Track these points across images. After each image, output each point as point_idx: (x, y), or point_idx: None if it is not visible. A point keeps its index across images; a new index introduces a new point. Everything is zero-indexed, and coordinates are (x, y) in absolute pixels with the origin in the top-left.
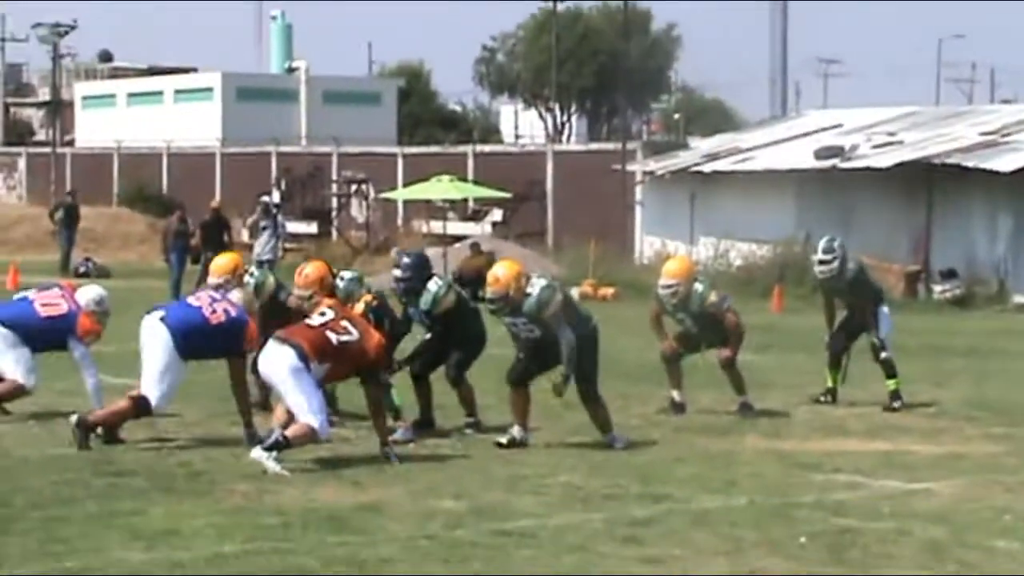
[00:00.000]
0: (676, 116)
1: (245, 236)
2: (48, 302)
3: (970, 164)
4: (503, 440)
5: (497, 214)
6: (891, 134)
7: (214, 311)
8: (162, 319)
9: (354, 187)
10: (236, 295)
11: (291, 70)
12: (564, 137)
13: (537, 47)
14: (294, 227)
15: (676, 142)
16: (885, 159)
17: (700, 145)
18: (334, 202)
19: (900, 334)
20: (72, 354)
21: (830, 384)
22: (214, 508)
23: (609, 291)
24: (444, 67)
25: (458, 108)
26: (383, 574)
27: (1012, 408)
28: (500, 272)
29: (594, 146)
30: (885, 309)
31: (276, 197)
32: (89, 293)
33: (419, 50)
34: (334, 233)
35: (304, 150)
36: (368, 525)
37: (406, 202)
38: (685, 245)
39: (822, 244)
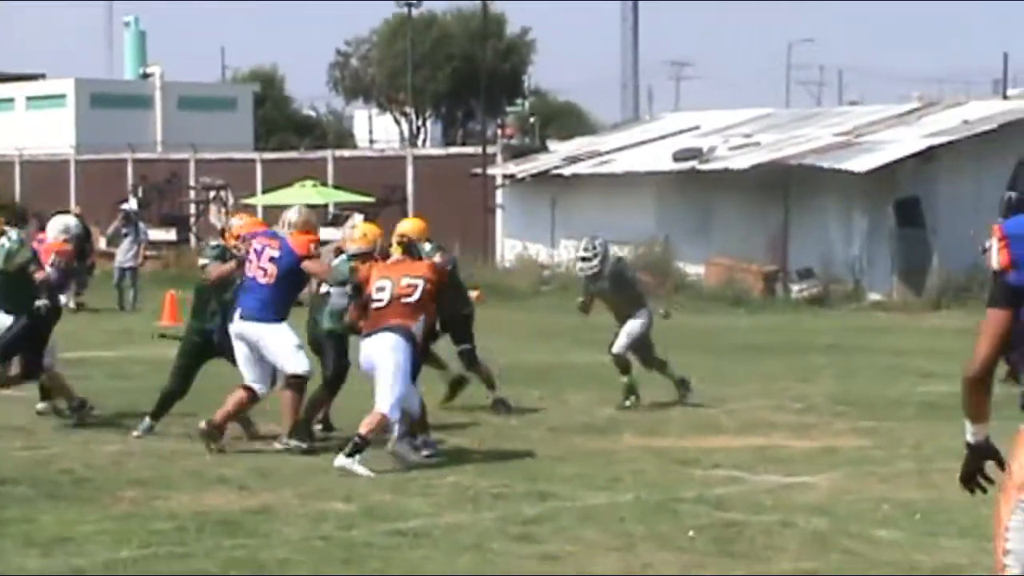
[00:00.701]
0: (531, 119)
1: (102, 244)
2: None
3: (825, 164)
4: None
5: (358, 219)
6: (747, 136)
7: None
8: None
9: (212, 193)
10: None
11: (146, 76)
12: (420, 142)
13: (391, 52)
14: (153, 234)
15: (535, 146)
16: (742, 160)
17: (559, 148)
18: (192, 208)
19: (761, 333)
20: None
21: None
22: (104, 514)
23: (473, 294)
24: (298, 72)
25: (312, 113)
26: (284, 575)
27: (876, 402)
28: (368, 229)
29: (453, 150)
30: (645, 310)
31: (133, 204)
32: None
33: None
34: (193, 240)
35: (160, 156)
36: (261, 528)
37: (266, 208)
38: (546, 248)
39: (583, 242)
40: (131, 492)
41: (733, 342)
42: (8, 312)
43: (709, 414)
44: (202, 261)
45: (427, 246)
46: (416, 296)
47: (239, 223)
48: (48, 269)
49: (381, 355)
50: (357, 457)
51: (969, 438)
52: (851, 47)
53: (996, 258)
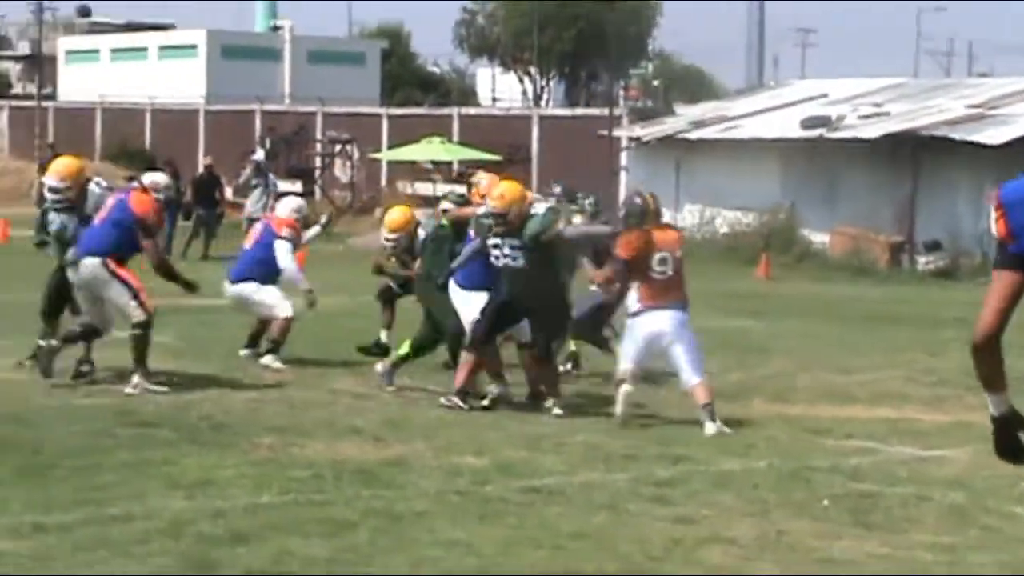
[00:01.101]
0: (655, 82)
1: (230, 194)
2: None
3: (956, 136)
4: (485, 402)
5: (484, 176)
6: (877, 105)
7: None
8: None
9: (338, 147)
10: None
11: (275, 28)
12: (543, 102)
13: (517, 10)
14: (279, 186)
15: (662, 108)
16: (871, 130)
17: (686, 112)
18: (318, 161)
19: (887, 304)
20: None
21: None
22: (243, 459)
23: None
24: (423, 29)
25: (436, 70)
26: (421, 527)
27: (1009, 377)
28: (505, 189)
29: (579, 111)
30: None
31: (261, 155)
32: None
33: (399, 11)
34: (318, 192)
35: (288, 109)
36: (397, 479)
37: (390, 163)
38: (670, 211)
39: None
40: (268, 439)
41: (858, 312)
42: None
43: (838, 383)
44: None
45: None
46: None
47: None
48: None
49: (679, 331)
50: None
51: (992, 410)
52: (981, 18)
53: (994, 228)
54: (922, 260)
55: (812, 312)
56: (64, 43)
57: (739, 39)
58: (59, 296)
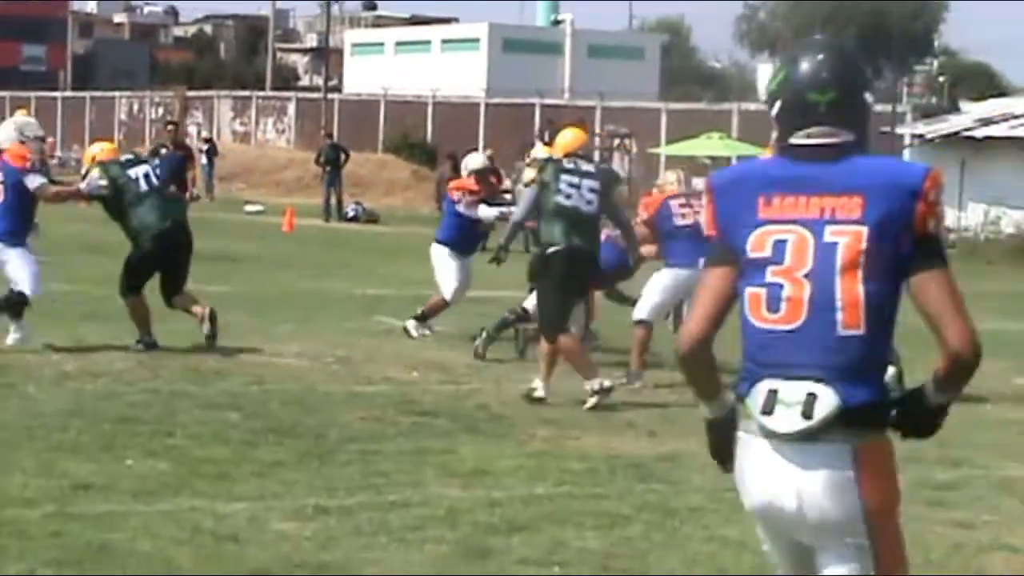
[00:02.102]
0: (941, 79)
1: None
2: None
3: None
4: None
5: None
6: None
7: None
8: None
9: (617, 141)
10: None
11: (557, 23)
12: None
13: (800, 6)
14: None
15: (946, 106)
16: None
17: (971, 109)
18: (597, 155)
19: None
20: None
21: None
22: (519, 451)
23: None
24: (704, 23)
25: (716, 64)
26: (695, 523)
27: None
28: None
29: None
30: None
31: (540, 149)
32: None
33: (680, 6)
34: None
35: (568, 103)
36: (671, 475)
37: (668, 158)
38: (954, 210)
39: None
40: (543, 431)
41: None
42: None
43: None
44: None
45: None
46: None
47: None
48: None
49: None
50: None
51: (708, 415)
52: None
53: (702, 218)
54: None
55: None
56: (350, 36)
57: None
58: None
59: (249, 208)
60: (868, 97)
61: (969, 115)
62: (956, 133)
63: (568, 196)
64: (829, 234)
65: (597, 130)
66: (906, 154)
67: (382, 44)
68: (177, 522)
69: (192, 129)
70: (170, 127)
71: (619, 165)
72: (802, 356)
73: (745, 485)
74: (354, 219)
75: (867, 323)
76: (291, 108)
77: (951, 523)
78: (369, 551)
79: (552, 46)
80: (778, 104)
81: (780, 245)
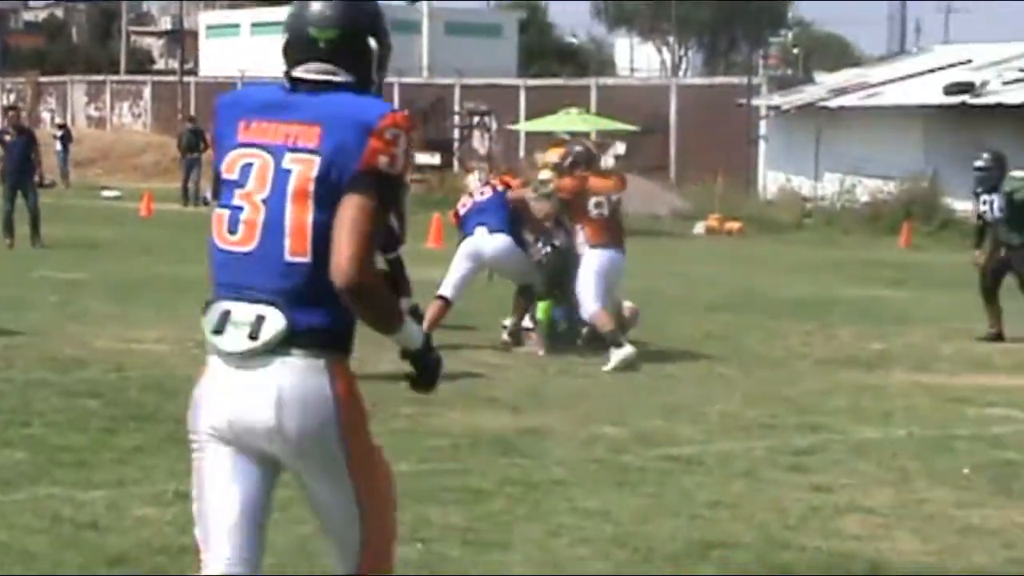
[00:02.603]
0: (795, 50)
1: None
2: None
3: None
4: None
5: (620, 147)
6: (1023, 70)
7: None
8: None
9: (476, 119)
10: None
11: (413, 1)
12: (681, 71)
13: None
14: (417, 158)
15: (801, 77)
16: (1016, 95)
17: (826, 80)
18: (456, 134)
19: None
20: None
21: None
22: (381, 429)
23: (735, 225)
24: None
25: (573, 40)
26: (558, 496)
27: None
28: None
29: (718, 80)
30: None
31: None
32: None
33: None
34: (456, 164)
35: (426, 81)
36: (534, 449)
37: (528, 134)
38: (809, 180)
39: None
40: (407, 409)
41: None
42: None
43: (981, 352)
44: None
45: None
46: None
47: None
48: None
49: (619, 272)
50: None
51: (409, 344)
52: None
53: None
54: None
55: (955, 281)
56: (205, 18)
57: (880, 5)
58: None
59: (106, 193)
60: (373, 43)
61: (823, 86)
62: (811, 104)
63: None
64: (288, 161)
65: (456, 108)
66: (762, 126)
67: (238, 25)
68: (35, 511)
69: (46, 115)
70: (11, 112)
71: (479, 143)
72: (254, 279)
73: (205, 406)
74: (207, 203)
75: (313, 251)
76: (147, 92)
77: (809, 487)
78: None
79: (409, 24)
80: (285, 37)
81: (246, 168)
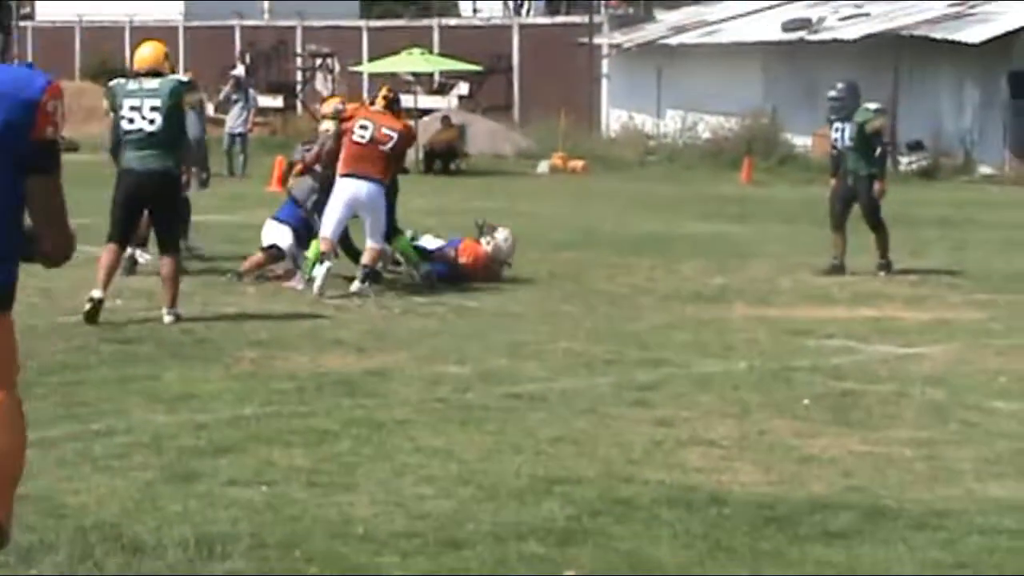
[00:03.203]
0: None
1: (211, 110)
2: None
3: (938, 36)
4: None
5: (463, 87)
6: (858, 6)
7: None
8: None
9: (319, 61)
10: None
11: None
12: (525, 11)
13: None
14: (260, 101)
15: (642, 15)
16: (852, 31)
17: (666, 18)
18: (299, 76)
19: None
20: None
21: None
22: (226, 374)
23: (579, 163)
24: None
25: None
26: (402, 435)
27: (991, 275)
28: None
29: (560, 19)
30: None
31: (241, 71)
32: None
33: None
34: (299, 107)
35: (268, 24)
36: (379, 389)
37: (371, 76)
38: (652, 118)
39: None
40: (251, 353)
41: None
42: None
43: (820, 285)
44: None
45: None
46: (390, 146)
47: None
48: None
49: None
50: (368, 283)
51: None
52: None
53: None
54: (904, 160)
55: (794, 216)
56: None
57: None
58: None
59: None
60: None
61: (664, 23)
62: (652, 42)
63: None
64: None
65: (298, 50)
66: (604, 64)
67: None
68: None
69: None
70: None
71: (322, 85)
72: None
73: None
74: None
75: None
76: None
77: (652, 421)
78: (72, 481)
79: None
80: None
81: None
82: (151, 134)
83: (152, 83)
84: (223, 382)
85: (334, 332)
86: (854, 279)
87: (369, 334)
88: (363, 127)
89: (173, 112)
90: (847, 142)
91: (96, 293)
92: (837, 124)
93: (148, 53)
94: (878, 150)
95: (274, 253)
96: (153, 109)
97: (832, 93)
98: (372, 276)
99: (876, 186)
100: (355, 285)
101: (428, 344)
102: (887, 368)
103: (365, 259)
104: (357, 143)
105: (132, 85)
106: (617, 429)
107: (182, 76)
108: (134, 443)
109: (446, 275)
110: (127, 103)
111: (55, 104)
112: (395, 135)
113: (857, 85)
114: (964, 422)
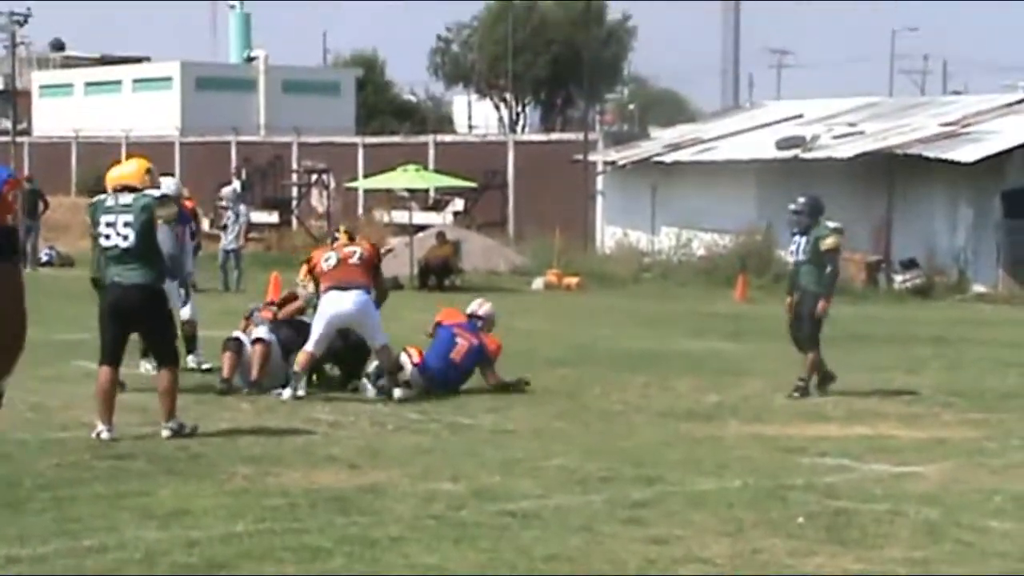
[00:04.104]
0: (631, 107)
1: (206, 225)
2: None
3: (931, 155)
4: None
5: (459, 204)
6: (852, 124)
7: None
8: None
9: (314, 177)
10: None
11: (250, 59)
12: (519, 128)
13: (492, 38)
14: (255, 217)
15: (636, 133)
16: (846, 149)
17: (661, 135)
18: (294, 192)
19: (866, 323)
20: None
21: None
22: (219, 490)
23: (573, 280)
24: (398, 57)
25: (411, 98)
26: (396, 553)
27: (985, 394)
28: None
29: (555, 136)
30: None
31: (237, 187)
32: None
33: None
34: (294, 222)
35: (264, 139)
36: (372, 506)
37: (367, 192)
38: (647, 235)
39: None
40: (244, 469)
41: (835, 331)
42: None
43: (815, 403)
44: None
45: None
46: (357, 257)
47: None
48: None
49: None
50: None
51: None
52: (954, 37)
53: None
54: (898, 279)
55: (788, 333)
56: (38, 77)
57: (714, 61)
58: None
59: None
60: None
61: (659, 141)
62: (647, 159)
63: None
64: None
65: (294, 166)
66: (599, 181)
67: (71, 85)
68: None
69: None
70: None
71: (318, 201)
72: None
73: None
74: (48, 264)
75: None
76: None
77: (646, 539)
78: None
79: (246, 83)
80: None
81: None
82: (126, 250)
83: (126, 198)
84: (216, 498)
85: (327, 448)
86: (848, 397)
87: (362, 450)
88: (327, 258)
89: (146, 227)
90: (800, 255)
91: (104, 435)
92: (796, 238)
93: (126, 169)
94: (828, 268)
95: (233, 347)
96: (126, 225)
97: (792, 207)
98: (391, 375)
99: (820, 304)
100: (396, 393)
101: (421, 461)
102: (881, 487)
103: (382, 366)
104: (328, 268)
105: (109, 201)
106: (611, 547)
107: (164, 189)
108: (126, 559)
109: (442, 377)
110: (103, 219)
111: (14, 195)
112: (357, 249)
113: (820, 200)
114: (959, 541)
